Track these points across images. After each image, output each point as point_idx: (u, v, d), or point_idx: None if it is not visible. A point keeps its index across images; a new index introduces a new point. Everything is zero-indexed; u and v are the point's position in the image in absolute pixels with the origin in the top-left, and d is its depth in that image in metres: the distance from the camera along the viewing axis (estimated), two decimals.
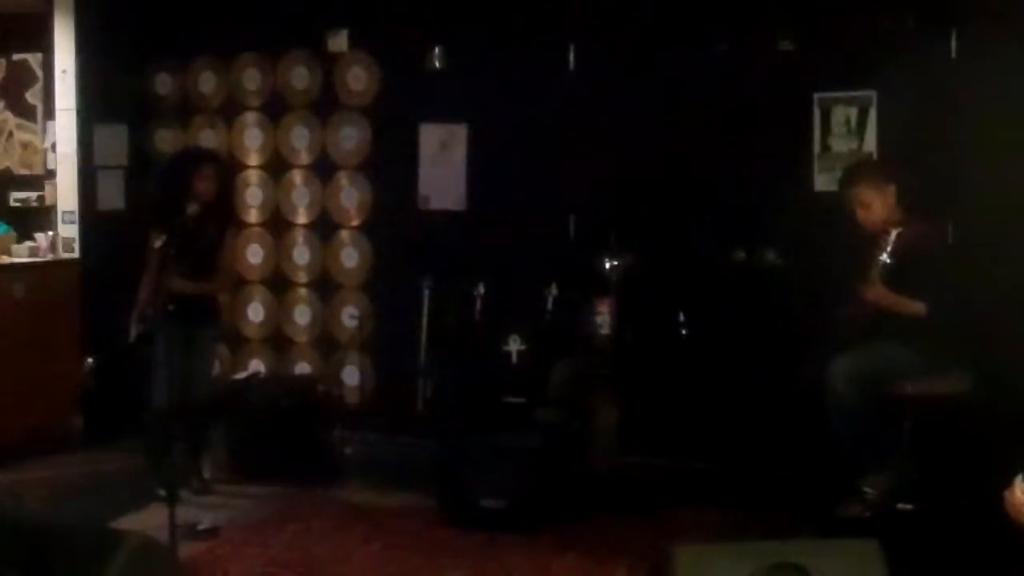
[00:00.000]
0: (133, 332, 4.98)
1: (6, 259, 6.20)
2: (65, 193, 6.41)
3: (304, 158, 6.43)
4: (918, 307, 4.37)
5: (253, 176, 6.54)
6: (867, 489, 4.46)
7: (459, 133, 6.05)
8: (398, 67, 6.13)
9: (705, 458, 5.40)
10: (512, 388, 5.08)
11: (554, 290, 5.30)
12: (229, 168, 5.71)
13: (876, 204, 4.52)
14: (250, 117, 6.53)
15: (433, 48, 5.97)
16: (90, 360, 5.07)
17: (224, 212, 5.30)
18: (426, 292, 5.65)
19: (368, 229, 6.31)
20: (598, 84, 5.70)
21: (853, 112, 5.31)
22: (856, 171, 4.71)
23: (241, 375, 6.20)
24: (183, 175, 5.04)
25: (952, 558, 4.08)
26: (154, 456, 5.05)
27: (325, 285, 6.43)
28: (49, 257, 6.32)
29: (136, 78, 6.65)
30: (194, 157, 5.34)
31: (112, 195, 6.52)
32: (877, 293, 4.37)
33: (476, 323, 5.45)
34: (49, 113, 6.52)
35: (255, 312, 6.61)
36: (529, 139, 5.77)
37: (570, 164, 5.74)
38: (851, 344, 4.50)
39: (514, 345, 5.16)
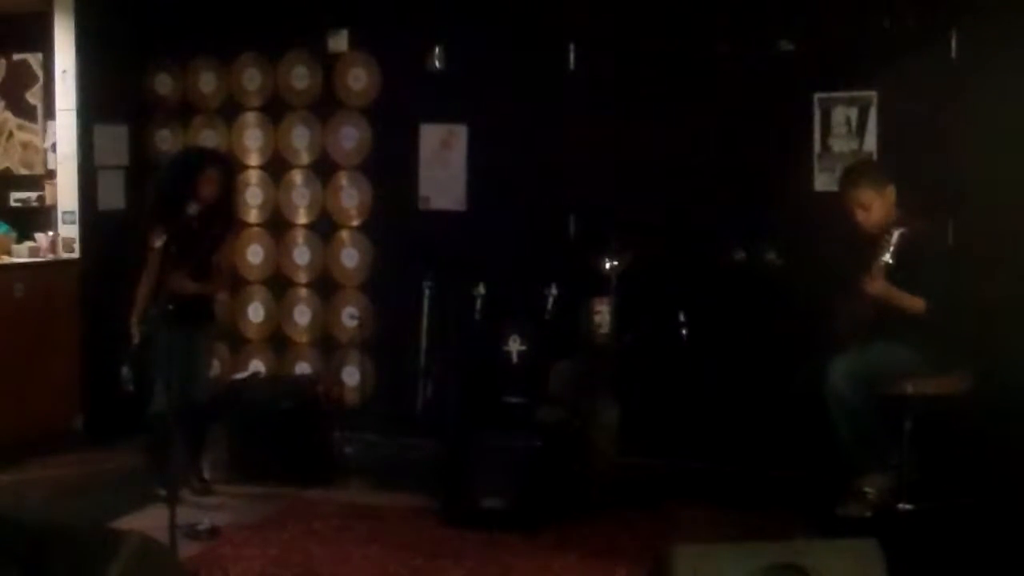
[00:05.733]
0: (137, 334, 4.96)
1: (6, 259, 6.21)
2: (65, 193, 6.41)
3: (304, 158, 6.43)
4: (918, 303, 4.37)
5: (253, 176, 6.54)
6: (867, 489, 4.46)
7: (459, 133, 6.06)
8: (398, 67, 6.14)
9: (705, 458, 5.41)
10: (512, 388, 5.09)
11: (554, 290, 5.30)
12: (233, 169, 5.69)
13: (875, 206, 4.52)
14: (250, 117, 6.53)
15: (433, 48, 5.97)
16: (126, 368, 5.02)
17: (226, 213, 5.27)
18: (426, 292, 5.66)
19: (368, 229, 6.31)
20: (598, 84, 5.70)
21: (853, 112, 5.32)
22: (855, 173, 4.70)
23: (241, 375, 6.20)
24: (187, 176, 5.02)
25: (952, 558, 4.08)
26: (154, 456, 5.04)
27: (325, 285, 6.43)
28: (49, 257, 6.32)
29: (136, 78, 6.65)
30: (200, 159, 5.28)
31: (112, 195, 6.52)
32: (879, 288, 4.36)
33: (476, 323, 5.45)
34: (49, 113, 6.52)
35: (255, 312, 6.61)
36: (529, 139, 5.77)
37: (570, 164, 5.74)
38: (851, 344, 4.50)
39: (514, 345, 5.16)
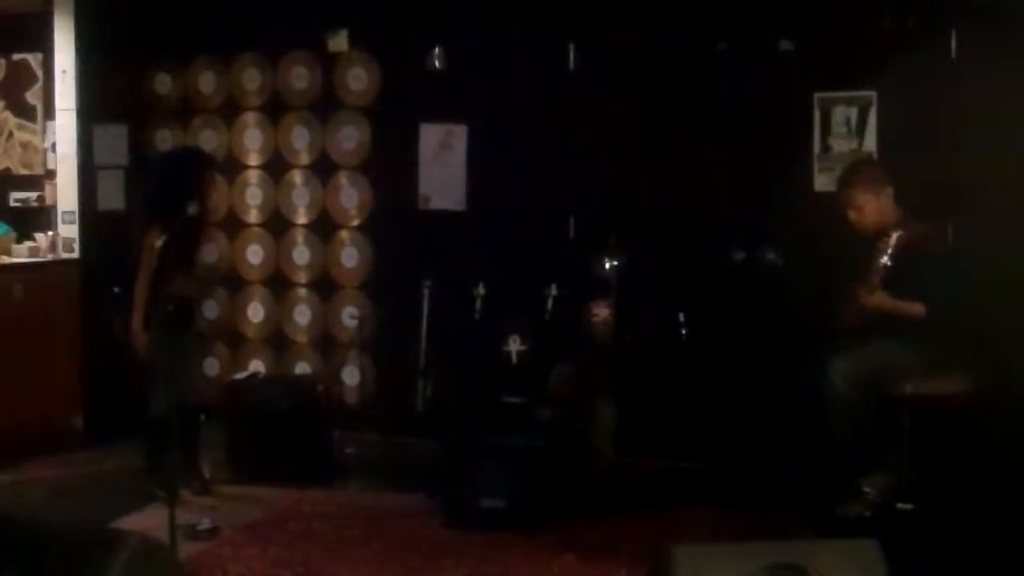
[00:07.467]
0: (144, 339, 4.93)
1: (6, 259, 6.20)
2: (65, 193, 6.41)
3: (304, 158, 6.43)
4: (918, 309, 4.38)
5: (253, 176, 6.54)
6: (867, 489, 4.47)
7: (459, 133, 6.05)
8: (398, 67, 6.14)
9: (705, 458, 5.40)
10: (512, 388, 5.08)
11: (554, 290, 5.30)
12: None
13: (869, 207, 4.53)
14: (250, 117, 6.52)
15: (433, 48, 5.97)
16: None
17: (209, 213, 5.38)
18: (426, 292, 5.66)
19: (368, 229, 6.31)
20: (598, 84, 5.70)
21: (853, 112, 5.31)
22: (850, 174, 4.71)
23: (241, 375, 6.19)
24: (191, 177, 5.02)
25: (952, 558, 4.08)
26: (154, 458, 5.04)
27: (325, 285, 6.42)
28: (49, 257, 6.32)
29: (136, 78, 6.65)
30: (203, 160, 5.37)
31: (112, 195, 6.52)
32: (876, 300, 4.38)
33: (476, 323, 5.45)
34: (49, 113, 6.52)
35: (255, 312, 6.61)
36: (529, 139, 5.77)
37: (570, 164, 5.74)
38: (851, 344, 4.50)
39: (514, 345, 5.16)
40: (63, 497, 5.19)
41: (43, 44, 6.48)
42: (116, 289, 5.17)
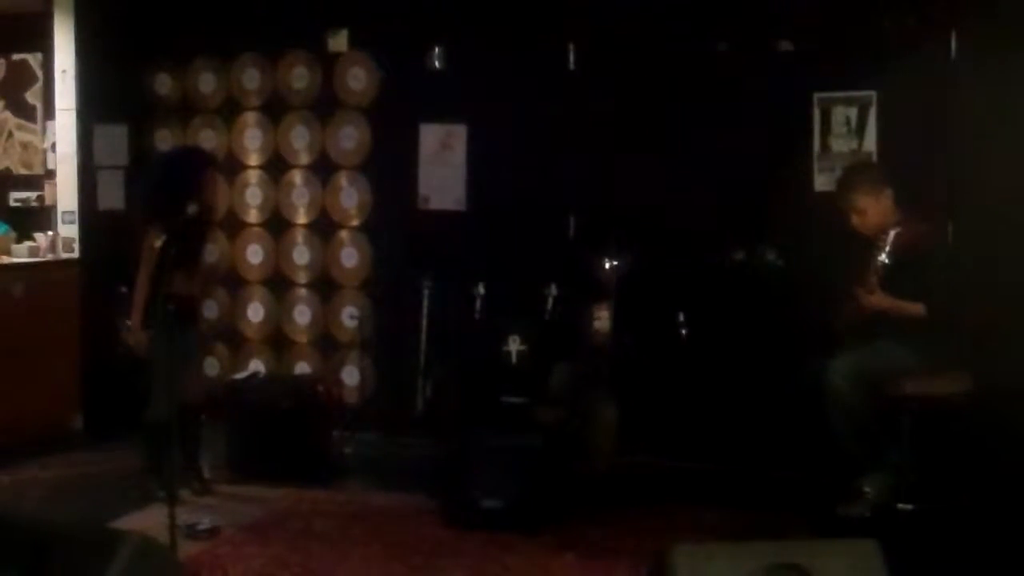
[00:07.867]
0: (144, 338, 4.93)
1: (6, 259, 6.21)
2: (65, 193, 6.41)
3: (304, 158, 6.43)
4: (917, 309, 4.38)
5: (253, 176, 6.54)
6: (867, 489, 4.47)
7: (459, 133, 6.06)
8: (398, 67, 6.14)
9: (705, 458, 5.41)
10: (512, 388, 5.08)
11: (554, 290, 5.30)
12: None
13: (872, 210, 4.53)
14: (250, 117, 6.53)
15: (433, 48, 5.98)
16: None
17: (212, 212, 5.37)
18: (426, 292, 5.66)
19: (368, 229, 6.31)
20: (598, 84, 5.70)
21: (853, 112, 5.32)
22: (851, 177, 4.70)
23: (241, 375, 6.19)
24: (191, 176, 5.02)
25: (952, 558, 4.08)
26: (154, 458, 5.03)
27: (325, 285, 6.43)
28: (49, 257, 6.33)
29: (136, 78, 6.65)
30: (204, 160, 5.36)
31: (112, 195, 6.52)
32: (875, 300, 4.38)
33: (476, 323, 5.45)
34: (49, 113, 6.52)
35: (255, 312, 6.61)
36: (529, 139, 5.78)
37: (570, 164, 5.74)
38: (851, 344, 4.50)
39: (514, 345, 5.16)
40: (63, 497, 5.19)
41: (43, 44, 6.48)
42: (123, 288, 5.17)
